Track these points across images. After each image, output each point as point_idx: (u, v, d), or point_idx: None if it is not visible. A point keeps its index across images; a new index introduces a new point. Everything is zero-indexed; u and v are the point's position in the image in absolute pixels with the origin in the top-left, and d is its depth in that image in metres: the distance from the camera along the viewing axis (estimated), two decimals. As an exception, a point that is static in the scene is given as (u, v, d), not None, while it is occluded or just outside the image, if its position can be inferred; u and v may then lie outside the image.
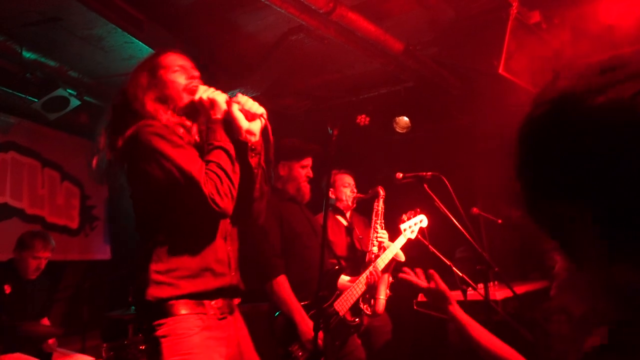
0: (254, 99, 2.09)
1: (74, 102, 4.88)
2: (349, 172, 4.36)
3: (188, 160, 1.93)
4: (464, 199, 2.95)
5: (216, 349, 1.94)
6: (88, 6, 3.76)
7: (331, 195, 4.14)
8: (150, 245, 1.96)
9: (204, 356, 1.89)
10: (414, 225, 3.69)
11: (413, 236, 3.65)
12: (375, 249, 3.74)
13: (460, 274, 2.93)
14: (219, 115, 2.03)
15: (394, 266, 3.68)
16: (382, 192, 4.01)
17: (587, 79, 0.76)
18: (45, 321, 4.35)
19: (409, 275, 1.91)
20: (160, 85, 2.12)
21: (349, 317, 3.32)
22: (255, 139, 2.11)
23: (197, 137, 2.15)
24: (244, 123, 2.09)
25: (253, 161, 2.13)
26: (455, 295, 3.61)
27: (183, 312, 1.88)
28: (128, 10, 3.88)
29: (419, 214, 3.73)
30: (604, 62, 0.78)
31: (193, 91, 2.11)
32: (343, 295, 3.31)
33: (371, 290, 3.50)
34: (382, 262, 3.57)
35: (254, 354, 2.18)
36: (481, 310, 3.04)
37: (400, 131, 5.89)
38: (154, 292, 1.89)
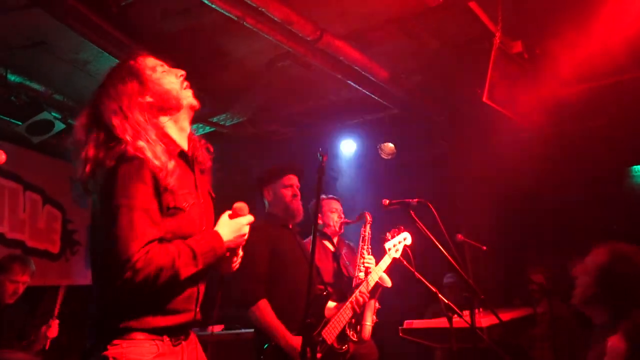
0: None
1: (59, 126, 4.86)
2: (336, 197, 4.37)
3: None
4: (448, 225, 2.96)
5: None
6: (75, 30, 3.76)
7: (319, 221, 4.13)
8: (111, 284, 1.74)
9: None
10: (398, 243, 3.65)
11: (398, 255, 3.60)
12: (362, 275, 3.72)
13: (446, 301, 2.92)
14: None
15: (380, 292, 3.66)
16: (369, 218, 4.01)
17: None
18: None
19: None
20: (154, 90, 1.94)
21: (336, 345, 3.28)
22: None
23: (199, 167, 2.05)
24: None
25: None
26: (441, 322, 3.61)
27: (139, 337, 1.77)
28: (115, 34, 3.89)
29: (402, 232, 3.70)
30: None
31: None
32: (331, 323, 3.28)
33: (357, 316, 3.47)
34: (368, 284, 3.53)
35: None
36: (467, 337, 3.04)
37: (385, 157, 5.95)
38: (114, 322, 1.77)
